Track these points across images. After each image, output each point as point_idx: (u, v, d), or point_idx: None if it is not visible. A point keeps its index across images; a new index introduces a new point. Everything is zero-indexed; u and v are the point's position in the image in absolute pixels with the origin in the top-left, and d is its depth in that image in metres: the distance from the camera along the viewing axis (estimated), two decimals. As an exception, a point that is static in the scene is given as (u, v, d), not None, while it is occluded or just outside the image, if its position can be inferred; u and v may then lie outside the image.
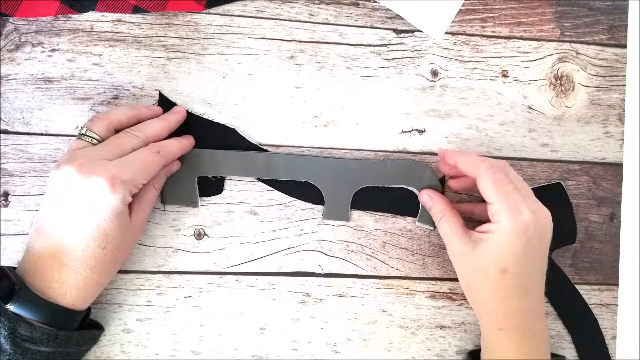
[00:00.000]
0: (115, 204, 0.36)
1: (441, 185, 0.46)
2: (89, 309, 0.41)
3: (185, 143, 0.42)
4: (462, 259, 0.41)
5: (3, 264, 0.42)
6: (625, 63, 0.50)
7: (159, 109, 0.43)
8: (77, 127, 0.43)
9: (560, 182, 0.48)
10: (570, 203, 0.48)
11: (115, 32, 0.44)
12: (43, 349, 0.36)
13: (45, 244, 0.36)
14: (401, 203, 0.46)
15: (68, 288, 0.36)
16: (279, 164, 0.44)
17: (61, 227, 0.36)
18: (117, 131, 0.40)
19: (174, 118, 0.43)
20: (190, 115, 0.44)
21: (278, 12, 0.46)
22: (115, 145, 0.38)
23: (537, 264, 0.40)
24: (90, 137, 0.38)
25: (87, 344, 0.40)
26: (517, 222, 0.38)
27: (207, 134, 0.44)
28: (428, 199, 0.44)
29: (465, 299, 0.46)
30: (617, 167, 0.49)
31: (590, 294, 0.48)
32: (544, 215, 0.39)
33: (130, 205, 0.38)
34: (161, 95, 0.44)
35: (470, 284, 0.41)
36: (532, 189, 0.41)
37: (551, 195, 0.47)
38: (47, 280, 0.36)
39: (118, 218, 0.37)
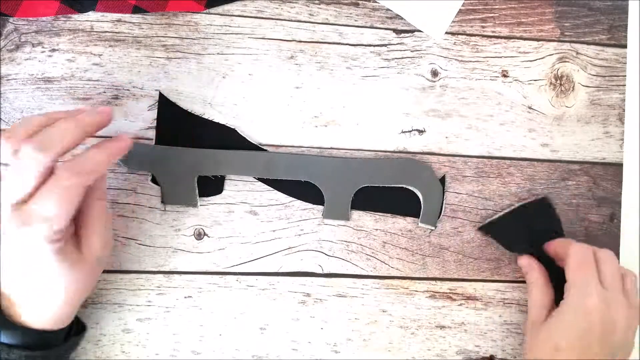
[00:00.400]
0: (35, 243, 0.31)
1: (441, 185, 0.46)
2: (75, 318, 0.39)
3: (111, 148, 0.34)
4: (532, 329, 0.42)
5: (3, 264, 0.42)
6: (625, 63, 0.50)
7: (78, 112, 0.34)
8: None
9: (545, 197, 0.47)
10: (559, 219, 0.47)
11: (115, 32, 0.44)
12: None
13: None
14: (401, 203, 0.46)
15: (36, 311, 0.34)
16: (279, 164, 0.44)
17: None
18: None
19: (87, 118, 0.34)
20: (190, 115, 0.44)
21: (278, 12, 0.46)
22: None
23: (596, 354, 0.38)
24: None
25: (68, 351, 0.38)
26: (581, 303, 0.38)
27: (207, 134, 0.44)
28: (527, 265, 0.45)
29: (466, 299, 0.47)
30: (617, 167, 0.49)
31: (590, 294, 0.48)
32: (619, 312, 0.38)
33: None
34: (161, 95, 0.44)
35: (530, 354, 0.41)
36: (518, 206, 0.45)
37: (538, 211, 0.47)
38: (15, 304, 0.34)
39: (53, 257, 0.32)
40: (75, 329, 0.39)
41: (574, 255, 0.41)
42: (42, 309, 0.34)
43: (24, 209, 0.30)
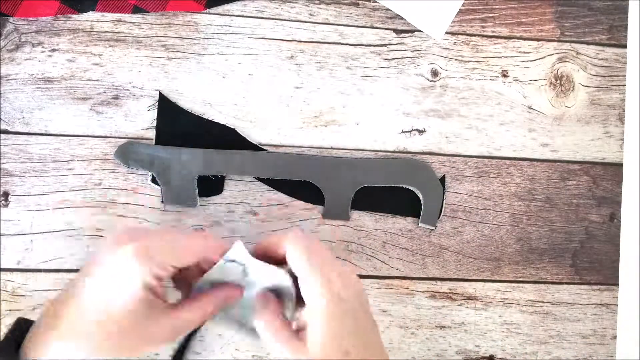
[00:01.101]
0: (131, 280, 0.31)
1: (441, 185, 0.46)
2: None
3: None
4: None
5: (3, 264, 0.42)
6: (625, 63, 0.50)
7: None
8: None
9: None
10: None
11: (115, 32, 0.44)
12: None
13: (56, 299, 0.32)
14: (401, 203, 0.46)
15: None
16: (279, 164, 0.44)
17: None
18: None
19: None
20: (190, 115, 0.44)
21: (278, 12, 0.46)
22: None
23: (369, 327, 0.34)
24: None
25: None
26: (330, 289, 0.32)
27: (207, 134, 0.44)
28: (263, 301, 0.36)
29: (466, 299, 0.46)
30: (617, 167, 0.49)
31: (590, 294, 0.48)
32: (349, 278, 0.34)
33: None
34: (161, 95, 0.44)
35: None
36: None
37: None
38: (35, 344, 0.31)
39: (134, 301, 0.31)
40: None
41: (296, 244, 0.34)
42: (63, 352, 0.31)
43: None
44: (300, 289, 0.33)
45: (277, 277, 0.35)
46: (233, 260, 0.35)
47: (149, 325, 0.32)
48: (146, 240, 0.32)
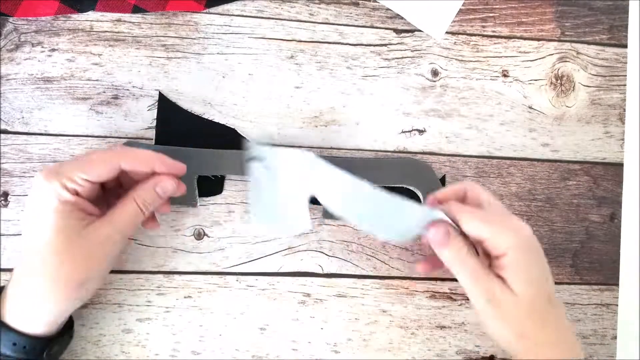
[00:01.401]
0: (48, 197, 0.33)
1: (442, 185, 0.46)
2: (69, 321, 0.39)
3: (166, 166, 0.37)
4: (502, 310, 0.35)
5: (3, 264, 0.42)
6: (626, 63, 0.50)
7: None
8: None
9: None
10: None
11: (115, 32, 0.44)
12: None
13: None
14: (401, 203, 0.46)
15: (27, 315, 0.34)
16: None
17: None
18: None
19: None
20: (190, 115, 0.44)
21: (278, 12, 0.46)
22: None
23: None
24: None
25: (58, 354, 0.38)
26: (522, 235, 0.35)
27: (207, 133, 0.44)
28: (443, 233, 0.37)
29: (466, 299, 0.46)
30: (618, 167, 0.49)
31: (591, 294, 0.48)
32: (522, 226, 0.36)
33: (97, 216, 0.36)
34: (161, 95, 0.44)
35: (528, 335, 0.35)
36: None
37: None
38: (7, 309, 0.34)
39: (56, 218, 0.33)
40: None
41: (474, 192, 0.37)
42: (26, 294, 0.34)
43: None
44: (490, 234, 0.35)
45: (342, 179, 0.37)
46: (253, 158, 0.37)
47: (83, 238, 0.34)
48: (58, 163, 0.34)
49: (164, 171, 0.37)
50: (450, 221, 0.37)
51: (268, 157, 0.37)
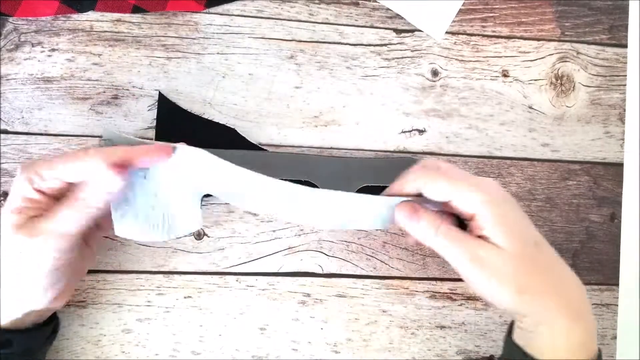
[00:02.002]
0: (15, 188, 0.33)
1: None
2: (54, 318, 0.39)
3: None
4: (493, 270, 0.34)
5: (3, 264, 0.42)
6: (626, 63, 0.50)
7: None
8: None
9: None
10: None
11: (115, 32, 0.44)
12: None
13: None
14: (401, 203, 0.46)
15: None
16: (279, 164, 0.44)
17: None
18: None
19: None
20: (190, 115, 0.44)
21: (278, 12, 0.46)
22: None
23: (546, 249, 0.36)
24: None
25: (41, 349, 0.37)
26: (497, 195, 0.34)
27: (207, 133, 0.44)
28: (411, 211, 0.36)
29: (466, 299, 0.46)
30: (618, 167, 0.49)
31: (591, 294, 0.48)
32: (490, 184, 0.35)
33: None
34: (161, 95, 0.44)
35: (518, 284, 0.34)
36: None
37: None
38: None
39: (13, 209, 0.33)
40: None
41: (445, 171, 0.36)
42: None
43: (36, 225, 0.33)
44: (457, 194, 0.34)
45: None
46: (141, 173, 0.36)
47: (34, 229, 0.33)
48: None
49: (145, 161, 0.35)
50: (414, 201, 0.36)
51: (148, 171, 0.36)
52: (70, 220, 0.34)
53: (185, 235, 0.44)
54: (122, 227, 0.36)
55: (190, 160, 0.36)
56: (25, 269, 0.33)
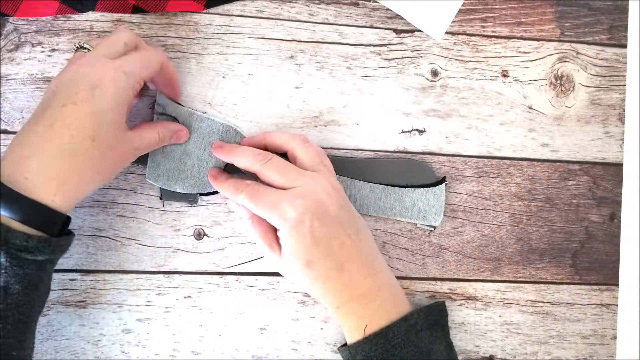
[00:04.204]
0: (116, 95, 0.35)
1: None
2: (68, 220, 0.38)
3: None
4: (278, 264, 0.41)
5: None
6: (626, 63, 0.50)
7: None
8: (74, 44, 0.42)
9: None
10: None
11: (115, 32, 0.44)
12: (39, 257, 0.34)
13: (31, 130, 0.34)
14: (401, 203, 0.46)
15: (47, 180, 0.33)
16: (279, 164, 0.44)
17: (53, 114, 0.34)
18: None
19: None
20: (190, 114, 0.44)
21: (278, 12, 0.46)
22: (107, 46, 0.38)
23: (336, 235, 0.39)
24: (87, 48, 0.39)
25: (64, 250, 0.37)
26: (287, 224, 0.37)
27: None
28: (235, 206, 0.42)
29: (466, 299, 0.47)
30: (618, 167, 0.49)
31: (591, 294, 0.48)
32: (307, 191, 0.38)
33: (130, 128, 0.38)
34: (161, 95, 0.44)
35: (297, 283, 0.43)
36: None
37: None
38: (24, 170, 0.33)
39: (116, 113, 0.36)
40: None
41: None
42: (56, 165, 0.34)
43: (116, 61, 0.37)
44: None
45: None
46: (163, 114, 0.43)
47: (123, 140, 0.37)
48: (116, 63, 0.37)
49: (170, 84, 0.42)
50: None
51: (181, 116, 0.43)
52: (147, 147, 0.39)
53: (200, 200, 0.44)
54: (153, 173, 0.42)
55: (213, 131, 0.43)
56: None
